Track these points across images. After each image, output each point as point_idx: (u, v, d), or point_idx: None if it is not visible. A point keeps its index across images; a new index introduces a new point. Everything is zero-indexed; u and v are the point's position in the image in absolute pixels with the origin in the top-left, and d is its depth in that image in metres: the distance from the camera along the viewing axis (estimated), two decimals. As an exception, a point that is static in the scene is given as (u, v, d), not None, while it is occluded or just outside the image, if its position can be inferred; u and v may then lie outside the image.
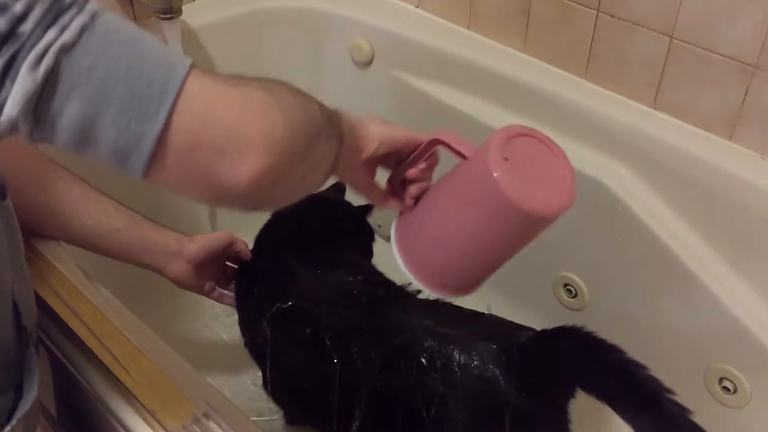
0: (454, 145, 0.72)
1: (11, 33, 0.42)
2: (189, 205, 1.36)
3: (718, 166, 1.01)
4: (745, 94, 0.99)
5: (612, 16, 1.06)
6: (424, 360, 0.81)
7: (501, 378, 0.78)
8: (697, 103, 1.04)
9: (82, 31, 0.43)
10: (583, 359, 0.76)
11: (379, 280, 0.95)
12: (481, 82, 1.21)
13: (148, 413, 0.69)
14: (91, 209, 0.89)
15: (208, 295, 1.01)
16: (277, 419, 1.12)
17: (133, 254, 0.92)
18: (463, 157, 0.71)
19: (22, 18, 0.42)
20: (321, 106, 0.61)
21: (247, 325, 1.00)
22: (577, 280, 1.20)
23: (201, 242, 0.95)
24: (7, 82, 0.42)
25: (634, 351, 1.13)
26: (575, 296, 1.22)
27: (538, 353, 0.80)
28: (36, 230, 0.85)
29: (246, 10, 1.35)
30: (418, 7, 1.33)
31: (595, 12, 1.08)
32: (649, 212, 1.08)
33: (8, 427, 0.61)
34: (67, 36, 0.43)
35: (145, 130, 0.44)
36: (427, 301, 0.88)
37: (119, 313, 0.81)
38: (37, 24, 0.42)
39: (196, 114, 0.46)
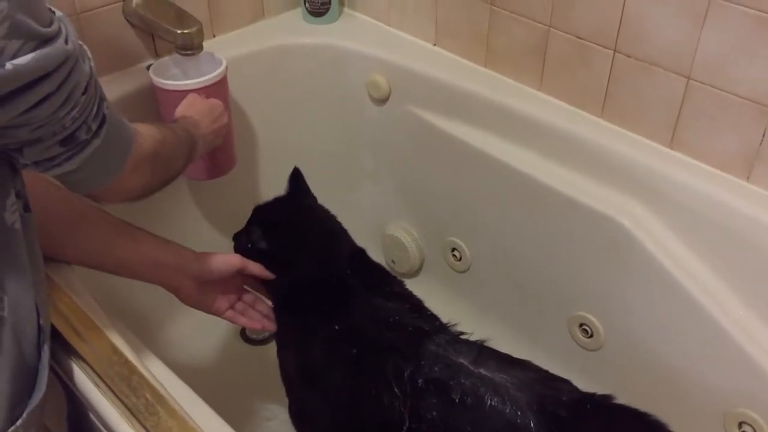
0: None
1: (85, 141, 0.67)
2: (200, 223, 1.37)
3: (735, 207, 1.00)
4: (763, 135, 0.98)
5: (628, 56, 1.07)
6: (455, 397, 0.80)
7: (532, 427, 0.78)
8: (714, 144, 1.04)
9: (106, 134, 0.69)
10: None
11: (425, 312, 0.97)
12: (497, 119, 1.22)
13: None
14: (97, 227, 0.89)
15: (218, 314, 1.01)
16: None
17: (138, 271, 0.93)
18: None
19: (95, 133, 0.68)
20: None
21: (287, 346, 1.00)
22: (593, 319, 1.19)
23: (208, 262, 0.96)
24: (65, 162, 0.67)
25: (651, 392, 1.12)
26: (591, 336, 1.20)
27: (580, 420, 0.80)
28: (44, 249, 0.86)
29: (265, 46, 1.37)
30: (435, 45, 1.35)
31: (612, 52, 1.08)
32: (665, 252, 1.07)
33: (19, 421, 0.68)
34: (98, 142, 0.68)
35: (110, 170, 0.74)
36: (468, 342, 0.90)
37: (131, 344, 0.81)
38: (95, 135, 0.68)
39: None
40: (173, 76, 1.20)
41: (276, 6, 1.43)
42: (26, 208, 0.69)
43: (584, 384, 0.90)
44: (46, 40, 0.57)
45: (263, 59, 1.36)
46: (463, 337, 0.91)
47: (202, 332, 1.33)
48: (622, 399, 0.86)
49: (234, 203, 1.25)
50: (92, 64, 0.66)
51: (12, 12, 0.53)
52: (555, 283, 1.23)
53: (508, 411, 0.79)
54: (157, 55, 1.28)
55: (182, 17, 1.19)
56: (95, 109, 0.66)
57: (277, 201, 1.06)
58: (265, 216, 1.03)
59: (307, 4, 1.40)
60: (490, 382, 0.83)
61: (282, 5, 1.44)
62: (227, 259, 0.97)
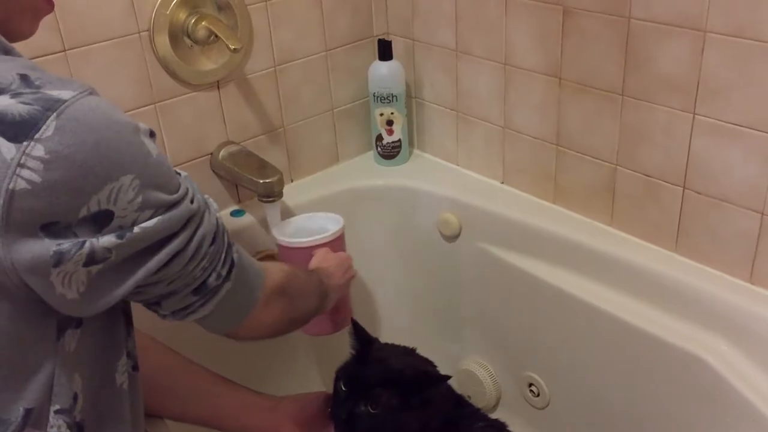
0: None
1: (216, 287, 0.72)
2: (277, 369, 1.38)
3: (825, 344, 0.97)
4: None
5: (698, 192, 1.08)
6: None
7: None
8: (796, 278, 1.02)
9: (235, 279, 0.74)
10: None
11: None
12: (569, 254, 1.23)
13: None
14: (197, 376, 0.92)
15: None
16: None
17: (233, 417, 0.94)
18: None
19: (225, 279, 0.71)
20: None
21: None
22: (683, 461, 1.14)
23: (296, 399, 0.97)
24: (198, 308, 0.72)
25: None
26: (681, 479, 1.15)
27: None
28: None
29: (339, 189, 1.43)
30: (503, 183, 1.39)
31: (681, 189, 1.10)
32: (753, 389, 1.02)
33: None
34: (229, 285, 0.72)
35: (240, 315, 0.76)
36: None
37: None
38: (225, 281, 0.72)
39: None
40: (295, 235, 1.24)
41: (350, 151, 1.51)
42: (135, 367, 0.73)
43: None
44: (173, 205, 0.62)
45: (338, 202, 1.42)
46: None
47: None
48: None
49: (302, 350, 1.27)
50: (219, 215, 0.71)
51: (143, 189, 0.59)
52: (640, 422, 1.19)
53: None
54: (239, 201, 1.36)
55: (264, 167, 1.27)
56: (224, 256, 0.70)
57: (361, 356, 1.04)
58: (372, 374, 0.99)
59: (379, 148, 1.48)
60: None
61: (355, 150, 1.52)
62: (314, 393, 0.99)
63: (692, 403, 1.09)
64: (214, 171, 1.31)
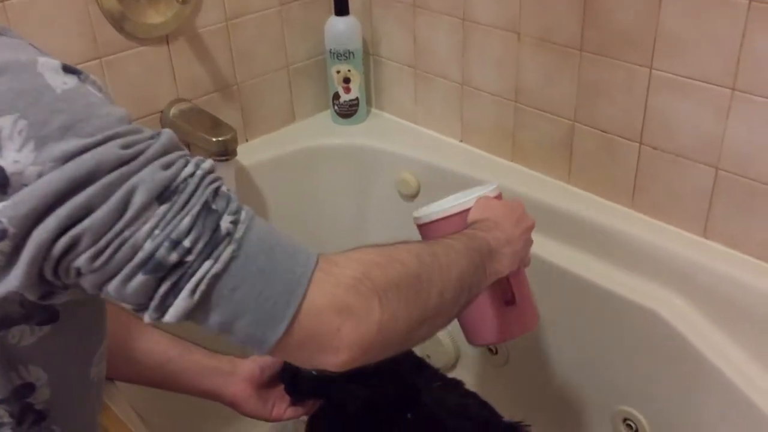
0: None
1: (180, 263, 0.52)
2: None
3: (775, 296, 0.99)
4: (798, 223, 0.98)
5: (654, 148, 1.08)
6: None
7: None
8: (748, 232, 1.03)
9: (231, 260, 0.54)
10: None
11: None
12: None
13: None
14: (153, 342, 0.90)
15: (279, 419, 0.97)
16: None
17: (188, 381, 0.92)
18: None
19: (189, 251, 0.52)
20: (447, 283, 0.67)
21: None
22: (637, 414, 1.16)
23: (255, 360, 0.95)
24: (171, 297, 0.53)
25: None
26: (636, 431, 1.17)
27: None
28: None
29: (296, 148, 1.41)
30: (462, 141, 1.38)
31: (638, 144, 1.10)
32: (707, 342, 1.04)
33: None
34: (219, 266, 0.53)
35: (267, 337, 0.56)
36: None
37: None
38: (198, 255, 0.52)
39: (306, 326, 0.56)
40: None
41: (306, 109, 1.48)
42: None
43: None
44: (87, 149, 0.50)
45: (295, 162, 1.40)
46: None
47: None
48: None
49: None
50: (202, 170, 0.54)
51: (34, 133, 0.49)
52: (595, 377, 1.21)
53: None
54: (192, 161, 1.32)
55: (217, 125, 1.24)
56: (192, 221, 0.52)
57: None
58: None
59: (336, 107, 1.45)
60: None
61: (312, 108, 1.49)
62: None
63: (647, 357, 1.11)
64: (165, 129, 1.27)
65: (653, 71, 1.04)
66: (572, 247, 1.17)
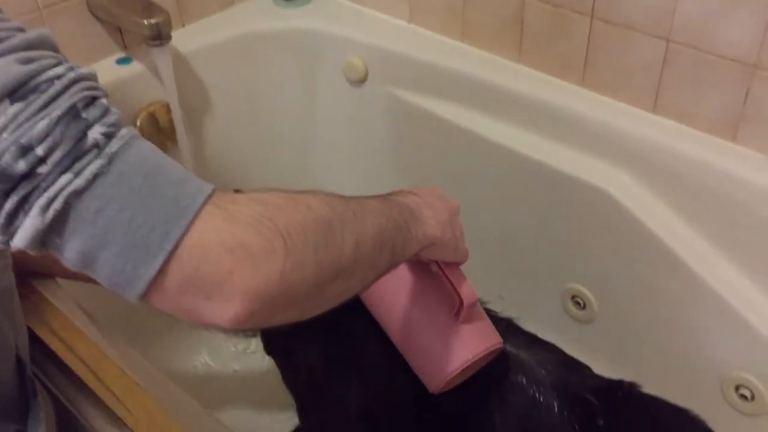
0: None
1: (30, 173, 0.44)
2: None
3: (722, 169, 0.99)
4: (746, 95, 0.97)
5: (606, 21, 1.05)
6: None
7: (556, 409, 0.77)
8: (698, 106, 1.02)
9: (95, 177, 0.45)
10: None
11: None
12: (478, 94, 1.19)
13: (148, 450, 0.67)
14: None
15: None
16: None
17: None
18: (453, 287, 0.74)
19: (42, 160, 0.44)
20: (363, 233, 0.56)
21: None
22: (585, 291, 1.18)
23: None
24: (21, 215, 0.45)
25: (647, 362, 1.11)
26: (584, 308, 1.19)
27: (611, 408, 0.80)
28: (30, 268, 0.83)
29: (236, 33, 1.33)
30: (410, 22, 1.32)
31: (589, 18, 1.06)
32: (654, 218, 1.05)
33: None
34: (80, 182, 0.44)
35: (139, 274, 0.46)
36: (496, 317, 0.88)
37: (117, 348, 0.79)
38: (54, 167, 0.44)
39: (190, 265, 0.47)
40: None
41: (246, -9, 1.40)
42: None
43: (580, 358, 0.89)
44: None
45: (235, 47, 1.33)
46: (491, 312, 0.88)
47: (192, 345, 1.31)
48: (616, 370, 0.85)
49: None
50: (69, 72, 0.47)
51: None
52: (545, 256, 1.22)
53: (531, 389, 0.78)
54: (125, 48, 1.25)
55: (149, 8, 1.16)
56: (53, 128, 0.45)
57: None
58: None
59: (277, -12, 1.37)
60: (515, 359, 0.82)
61: (252, -10, 1.41)
62: None
63: (595, 234, 1.12)
64: (92, 13, 1.18)
65: (606, -62, 0.99)
66: (522, 128, 1.16)
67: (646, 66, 1.04)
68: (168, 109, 1.22)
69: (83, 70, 0.48)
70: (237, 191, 0.67)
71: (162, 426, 0.68)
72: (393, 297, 0.77)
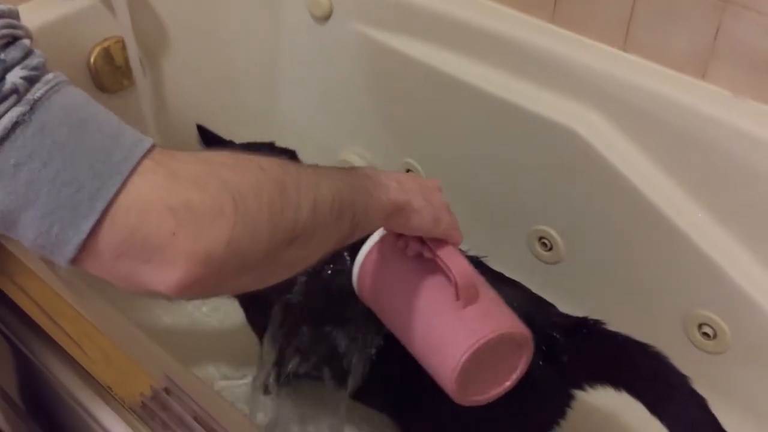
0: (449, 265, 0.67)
1: None
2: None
3: (691, 107, 0.98)
4: (717, 31, 0.95)
5: (577, -45, 1.02)
6: None
7: None
8: (668, 43, 1.00)
9: (15, 126, 0.40)
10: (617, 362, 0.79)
11: None
12: (445, 31, 1.16)
13: (104, 390, 0.65)
14: None
15: None
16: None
17: None
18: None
19: None
20: (320, 199, 0.52)
21: None
22: (552, 232, 1.18)
23: None
24: None
25: (612, 302, 1.12)
26: (551, 249, 1.19)
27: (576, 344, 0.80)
28: None
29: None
30: (376, -44, 1.28)
31: (560, -49, 1.04)
32: (622, 158, 1.05)
33: None
34: None
35: (68, 236, 0.42)
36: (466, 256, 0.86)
37: (75, 290, 0.77)
38: None
39: (126, 226, 0.42)
40: None
41: None
42: None
43: (546, 298, 0.89)
44: None
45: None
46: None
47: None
48: (582, 310, 0.85)
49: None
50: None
51: None
52: (512, 197, 1.21)
53: None
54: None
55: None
56: None
57: None
58: None
59: None
60: None
61: None
62: None
63: (563, 174, 1.11)
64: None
65: None
66: (489, 66, 1.13)
67: (617, 1, 1.02)
68: (123, 45, 1.16)
69: (1, 6, 0.44)
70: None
71: (119, 367, 0.67)
72: (395, 306, 0.72)
